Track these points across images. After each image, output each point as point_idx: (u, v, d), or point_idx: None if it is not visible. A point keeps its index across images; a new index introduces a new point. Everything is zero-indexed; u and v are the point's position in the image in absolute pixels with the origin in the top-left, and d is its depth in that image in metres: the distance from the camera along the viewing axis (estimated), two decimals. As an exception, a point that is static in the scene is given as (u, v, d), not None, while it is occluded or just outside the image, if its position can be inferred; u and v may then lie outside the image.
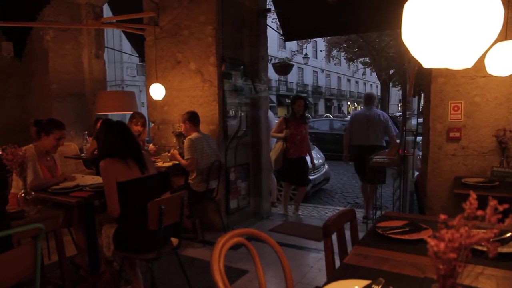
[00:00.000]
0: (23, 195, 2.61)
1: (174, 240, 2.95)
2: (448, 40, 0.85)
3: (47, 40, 5.41)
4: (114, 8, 6.39)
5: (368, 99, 5.60)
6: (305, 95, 40.15)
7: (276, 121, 5.84)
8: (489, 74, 2.80)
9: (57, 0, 5.40)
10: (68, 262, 2.99)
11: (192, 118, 4.27)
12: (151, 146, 5.21)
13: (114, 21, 5.86)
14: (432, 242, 0.74)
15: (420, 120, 4.95)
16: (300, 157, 5.50)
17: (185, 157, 4.17)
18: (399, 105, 38.61)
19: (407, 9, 0.91)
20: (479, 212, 0.73)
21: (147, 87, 4.93)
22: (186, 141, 4.19)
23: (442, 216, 0.76)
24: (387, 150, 5.14)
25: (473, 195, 0.76)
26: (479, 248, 1.13)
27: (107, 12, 6.38)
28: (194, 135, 4.20)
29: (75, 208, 3.18)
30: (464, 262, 0.75)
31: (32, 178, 3.15)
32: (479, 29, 0.83)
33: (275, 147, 5.68)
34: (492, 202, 0.71)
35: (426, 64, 0.96)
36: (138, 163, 2.77)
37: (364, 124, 5.39)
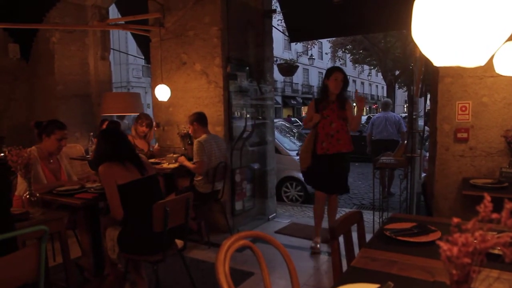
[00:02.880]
0: (27, 196, 2.60)
1: (179, 242, 2.93)
2: (460, 36, 0.81)
3: (53, 42, 5.43)
4: (121, 9, 6.42)
5: (385, 104, 7.54)
6: (310, 96, 40.12)
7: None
8: (497, 74, 2.75)
9: (63, 2, 5.41)
10: (72, 264, 2.97)
11: (200, 119, 4.20)
12: (155, 146, 5.21)
13: (120, 22, 5.88)
14: (445, 246, 0.71)
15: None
16: (336, 153, 4.06)
17: (194, 160, 4.09)
18: (405, 106, 38.41)
19: (417, 5, 0.88)
20: (495, 215, 0.70)
21: (153, 89, 4.93)
22: (195, 143, 4.09)
23: (455, 220, 0.73)
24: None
25: (487, 197, 0.73)
26: (496, 252, 1.10)
27: (113, 14, 6.40)
28: (203, 137, 4.11)
29: (80, 210, 3.18)
30: (479, 266, 0.72)
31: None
32: (493, 24, 0.79)
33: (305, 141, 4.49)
34: (508, 205, 0.69)
35: (437, 63, 0.92)
36: (136, 165, 2.77)
37: (383, 123, 7.08)
